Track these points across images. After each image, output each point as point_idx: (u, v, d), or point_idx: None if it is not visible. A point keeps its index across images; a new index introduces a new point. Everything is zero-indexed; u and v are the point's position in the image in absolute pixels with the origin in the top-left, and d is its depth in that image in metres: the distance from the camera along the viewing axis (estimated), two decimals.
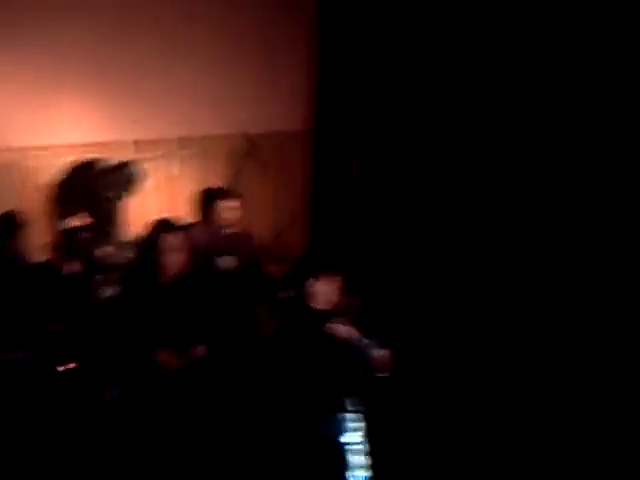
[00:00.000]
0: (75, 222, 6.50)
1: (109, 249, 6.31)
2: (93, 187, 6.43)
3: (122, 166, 6.62)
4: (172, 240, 4.68)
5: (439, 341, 5.22)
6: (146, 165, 6.84)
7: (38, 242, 6.22)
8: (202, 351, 4.69)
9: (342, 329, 4.44)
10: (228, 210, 6.36)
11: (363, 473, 4.40)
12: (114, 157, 6.76)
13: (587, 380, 4.90)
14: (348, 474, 4.37)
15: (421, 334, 5.44)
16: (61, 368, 5.26)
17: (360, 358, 4.40)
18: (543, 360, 5.09)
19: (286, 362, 4.44)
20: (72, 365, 5.37)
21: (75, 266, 5.41)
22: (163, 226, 4.83)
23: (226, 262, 6.18)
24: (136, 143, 6.94)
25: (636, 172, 5.05)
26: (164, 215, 6.07)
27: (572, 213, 5.37)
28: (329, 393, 4.42)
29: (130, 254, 5.77)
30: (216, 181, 7.05)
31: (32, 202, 6.51)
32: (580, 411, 4.80)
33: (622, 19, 5.03)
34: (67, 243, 6.33)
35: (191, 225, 6.64)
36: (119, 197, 6.57)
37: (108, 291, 5.84)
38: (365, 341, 4.42)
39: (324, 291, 4.48)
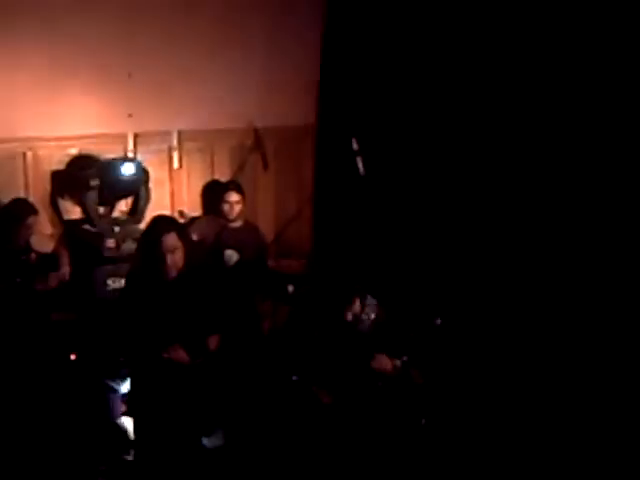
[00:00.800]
0: (76, 214, 6.52)
1: (112, 242, 6.32)
2: (92, 181, 6.39)
3: (123, 161, 6.61)
4: (172, 240, 4.62)
5: (441, 336, 5.18)
6: (149, 158, 6.84)
7: (44, 232, 6.24)
8: (215, 341, 4.67)
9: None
10: (233, 204, 6.38)
11: None
12: (117, 149, 6.76)
13: (587, 380, 4.90)
14: None
15: (425, 329, 5.42)
16: (73, 357, 5.27)
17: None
18: (543, 360, 5.08)
19: (290, 359, 4.45)
20: (72, 357, 5.39)
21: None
22: (163, 226, 4.75)
23: (231, 256, 6.19)
24: (138, 135, 6.91)
25: (636, 172, 5.06)
26: (164, 212, 6.14)
27: (576, 213, 5.38)
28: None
29: (134, 247, 5.76)
30: (220, 175, 7.08)
31: (38, 192, 6.50)
32: (580, 411, 4.80)
33: (622, 19, 5.04)
34: (70, 234, 6.35)
35: (196, 219, 6.66)
36: (123, 190, 6.55)
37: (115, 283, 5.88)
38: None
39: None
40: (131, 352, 4.72)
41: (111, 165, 6.35)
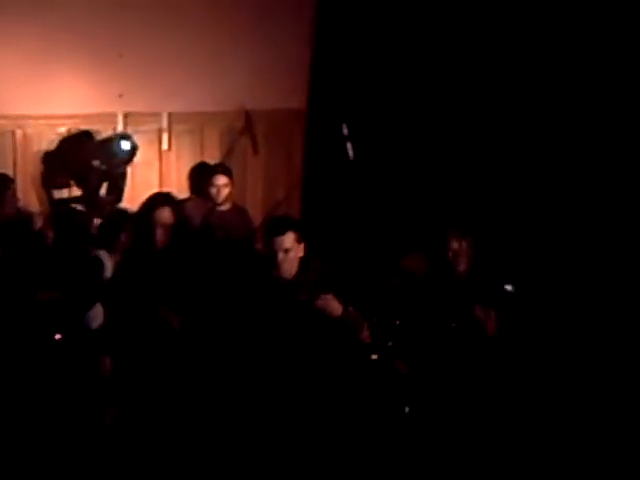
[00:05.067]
0: (66, 193, 6.51)
1: (100, 221, 6.31)
2: (86, 159, 6.39)
3: (115, 138, 6.60)
4: (165, 214, 4.72)
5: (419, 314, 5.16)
6: (138, 138, 6.82)
7: (33, 210, 6.23)
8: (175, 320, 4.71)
9: (335, 305, 4.42)
10: (221, 187, 6.37)
11: None
12: (106, 128, 6.75)
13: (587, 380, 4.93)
14: None
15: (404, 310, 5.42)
16: (57, 336, 5.27)
17: (352, 335, 4.41)
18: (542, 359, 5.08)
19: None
20: (58, 336, 5.39)
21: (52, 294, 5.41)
22: (159, 200, 4.88)
23: (219, 238, 6.19)
24: (127, 115, 6.90)
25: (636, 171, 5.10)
26: (157, 190, 6.15)
27: (569, 209, 5.42)
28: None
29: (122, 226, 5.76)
30: (210, 157, 7.07)
31: (27, 170, 6.50)
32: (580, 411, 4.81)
33: (622, 19, 5.05)
34: (59, 213, 6.34)
35: (184, 201, 6.65)
36: (112, 169, 6.54)
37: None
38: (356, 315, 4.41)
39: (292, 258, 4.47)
40: (123, 310, 4.76)
41: (110, 144, 6.37)
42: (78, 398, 4.97)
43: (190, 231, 5.59)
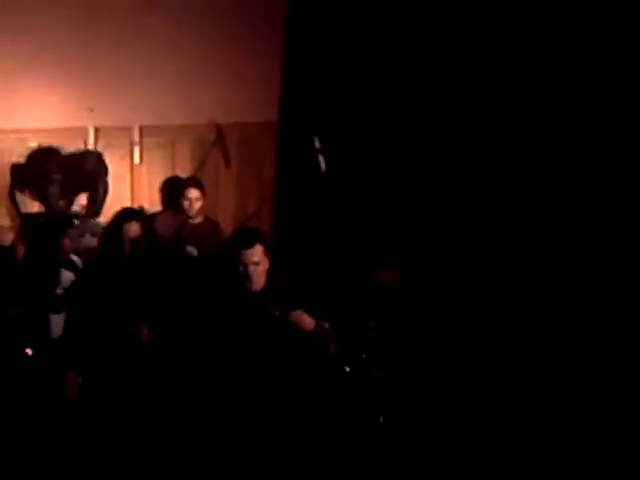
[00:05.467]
0: (35, 208, 6.47)
1: (71, 236, 6.28)
2: (47, 172, 6.37)
3: (85, 154, 6.58)
4: (133, 229, 4.77)
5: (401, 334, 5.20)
6: (109, 153, 6.81)
7: (2, 225, 6.20)
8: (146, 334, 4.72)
9: (307, 319, 4.42)
10: (193, 200, 6.37)
11: None
12: (77, 143, 6.73)
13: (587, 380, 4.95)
14: None
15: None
16: (29, 351, 5.24)
17: (322, 349, 4.41)
18: (540, 359, 5.10)
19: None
20: (29, 351, 5.35)
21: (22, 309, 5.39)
22: (126, 215, 4.92)
23: (191, 252, 6.18)
24: (98, 130, 6.88)
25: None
26: (126, 205, 6.14)
27: (565, 211, 5.43)
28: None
29: (92, 241, 5.75)
30: (181, 170, 7.06)
31: None
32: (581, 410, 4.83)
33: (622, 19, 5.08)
34: (27, 228, 6.30)
35: (156, 214, 6.64)
36: (82, 185, 6.52)
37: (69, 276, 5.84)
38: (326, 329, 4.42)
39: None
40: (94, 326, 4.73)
41: (72, 158, 6.32)
42: (45, 413, 4.97)
43: (159, 245, 5.63)
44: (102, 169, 6.50)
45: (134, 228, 4.78)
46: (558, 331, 5.13)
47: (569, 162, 5.40)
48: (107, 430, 4.63)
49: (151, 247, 4.88)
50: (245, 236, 4.60)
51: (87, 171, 6.41)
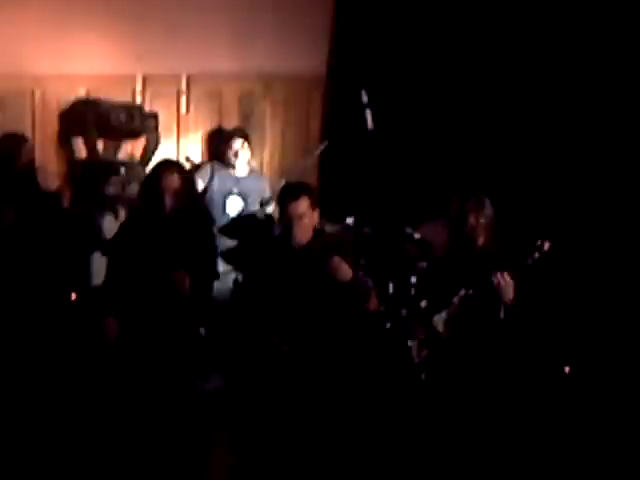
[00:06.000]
0: (82, 154, 6.51)
1: (116, 184, 6.33)
2: (102, 122, 6.40)
3: (132, 105, 6.61)
4: (173, 181, 4.72)
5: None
6: (156, 101, 6.81)
7: (50, 170, 6.24)
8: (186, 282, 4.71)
9: (345, 268, 4.39)
10: (239, 152, 6.36)
11: None
12: (125, 90, 6.72)
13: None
14: None
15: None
16: (73, 297, 5.30)
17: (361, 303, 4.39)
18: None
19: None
20: (72, 296, 5.41)
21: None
22: (166, 167, 4.89)
23: (236, 203, 6.20)
24: (146, 78, 6.87)
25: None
26: (170, 157, 6.15)
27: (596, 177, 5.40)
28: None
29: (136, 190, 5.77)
30: (228, 122, 7.04)
31: (45, 130, 6.48)
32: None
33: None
34: (75, 174, 6.36)
35: (201, 165, 6.65)
36: (128, 134, 6.54)
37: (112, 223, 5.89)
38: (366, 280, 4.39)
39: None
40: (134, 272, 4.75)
41: (121, 106, 6.38)
42: (85, 359, 5.03)
43: (201, 197, 5.64)
44: (151, 118, 6.49)
45: (173, 179, 4.73)
46: None
47: None
48: (144, 376, 4.67)
49: (190, 198, 4.85)
50: (292, 189, 4.59)
51: (136, 119, 6.41)
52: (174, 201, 4.70)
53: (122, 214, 6.02)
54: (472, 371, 4.48)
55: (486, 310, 4.40)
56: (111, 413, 4.66)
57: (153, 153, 6.51)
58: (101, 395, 4.76)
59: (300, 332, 4.40)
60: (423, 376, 4.61)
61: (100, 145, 6.44)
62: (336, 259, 4.32)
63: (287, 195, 4.50)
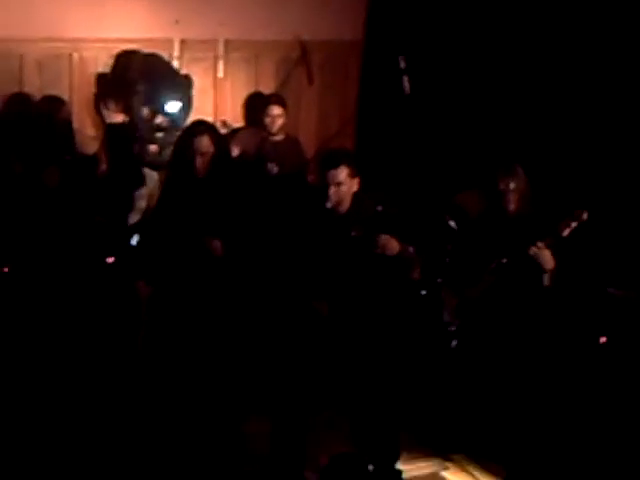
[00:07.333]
0: (119, 118, 6.53)
1: (154, 147, 6.35)
2: (139, 86, 6.42)
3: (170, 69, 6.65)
4: (204, 143, 4.62)
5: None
6: (193, 66, 6.81)
7: (87, 134, 6.27)
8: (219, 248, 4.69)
9: (394, 243, 4.36)
10: (275, 117, 6.35)
11: None
12: (162, 55, 6.73)
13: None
14: None
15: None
16: (110, 260, 5.33)
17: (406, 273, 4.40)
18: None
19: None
20: (110, 259, 5.46)
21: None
22: (198, 128, 4.77)
23: (272, 168, 6.20)
24: (184, 42, 6.87)
25: None
26: (209, 119, 6.14)
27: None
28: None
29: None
30: (264, 87, 7.04)
31: (82, 93, 6.53)
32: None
33: None
34: (110, 138, 6.37)
35: (238, 130, 6.65)
36: (167, 97, 6.56)
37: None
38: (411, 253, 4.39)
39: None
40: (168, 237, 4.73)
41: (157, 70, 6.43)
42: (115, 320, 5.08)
43: (235, 160, 5.60)
44: (187, 82, 6.51)
45: (205, 141, 4.63)
46: None
47: None
48: (172, 343, 4.67)
49: (222, 161, 4.75)
50: (331, 156, 4.57)
51: (172, 84, 6.42)
52: (206, 164, 4.65)
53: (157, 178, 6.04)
54: (508, 338, 4.48)
55: (525, 279, 4.39)
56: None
57: (186, 117, 6.52)
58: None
59: (340, 297, 4.41)
60: (454, 343, 4.64)
61: (137, 108, 6.44)
62: (383, 237, 4.32)
63: (327, 162, 4.48)
